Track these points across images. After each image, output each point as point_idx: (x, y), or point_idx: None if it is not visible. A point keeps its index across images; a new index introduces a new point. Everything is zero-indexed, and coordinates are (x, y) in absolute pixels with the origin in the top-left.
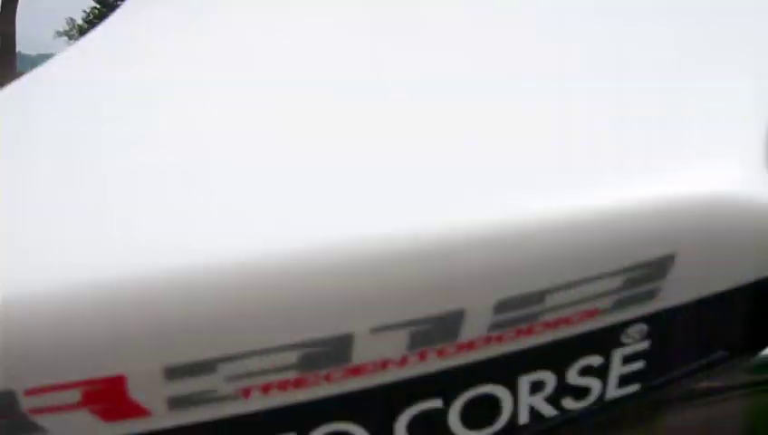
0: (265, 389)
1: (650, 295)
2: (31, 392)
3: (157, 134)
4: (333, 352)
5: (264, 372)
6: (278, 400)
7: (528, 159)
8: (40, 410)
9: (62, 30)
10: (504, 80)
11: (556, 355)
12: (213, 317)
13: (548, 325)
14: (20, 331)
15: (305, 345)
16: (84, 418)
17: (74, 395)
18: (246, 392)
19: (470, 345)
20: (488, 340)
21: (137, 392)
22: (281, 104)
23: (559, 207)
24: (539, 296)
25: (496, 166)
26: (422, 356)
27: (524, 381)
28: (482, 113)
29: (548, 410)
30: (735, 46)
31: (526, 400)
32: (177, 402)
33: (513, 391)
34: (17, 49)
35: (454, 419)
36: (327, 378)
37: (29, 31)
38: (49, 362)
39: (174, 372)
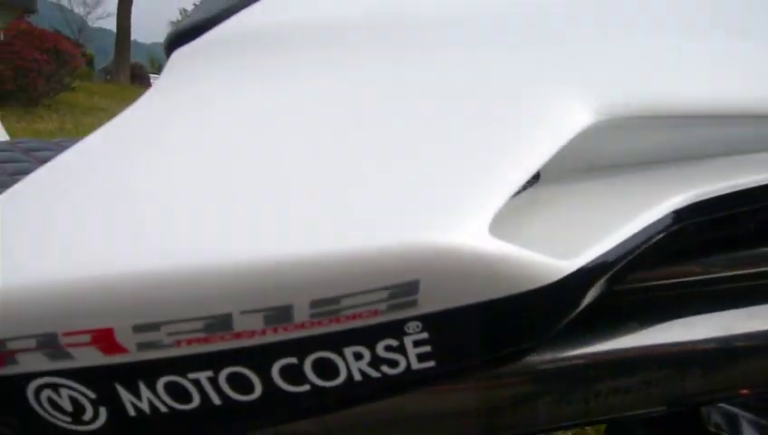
0: (188, 342)
1: (412, 304)
2: (65, 334)
3: None
4: (220, 323)
5: (186, 332)
6: (196, 349)
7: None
8: (70, 345)
9: (174, 20)
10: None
11: (365, 336)
12: (156, 298)
13: (349, 318)
14: (55, 298)
15: (204, 319)
16: (93, 351)
17: (88, 337)
18: (178, 343)
19: (302, 326)
20: (312, 323)
21: (120, 339)
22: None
23: (339, 242)
24: (336, 300)
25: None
26: (275, 330)
27: (349, 352)
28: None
29: (373, 373)
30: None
31: (354, 364)
32: (141, 346)
33: (343, 357)
34: (133, 38)
35: (308, 371)
36: (221, 338)
37: (144, 22)
38: (74, 317)
39: (138, 328)
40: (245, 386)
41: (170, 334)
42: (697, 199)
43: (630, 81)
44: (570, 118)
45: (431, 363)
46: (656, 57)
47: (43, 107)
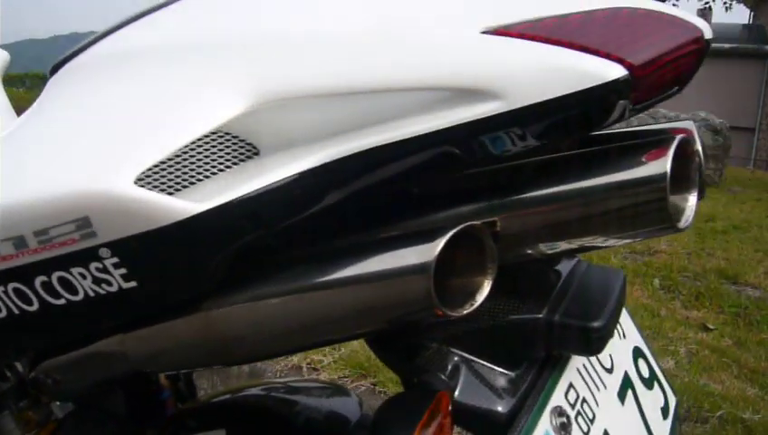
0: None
1: (93, 234)
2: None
3: None
4: (13, 244)
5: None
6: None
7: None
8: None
9: None
10: None
11: (78, 259)
12: None
13: (62, 244)
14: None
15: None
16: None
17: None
18: None
19: (36, 250)
20: (41, 249)
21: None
22: None
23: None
24: (46, 231)
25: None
26: (22, 254)
27: (75, 272)
28: None
29: (100, 290)
30: None
31: (84, 283)
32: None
33: (73, 276)
34: None
35: (57, 287)
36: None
37: None
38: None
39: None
40: (25, 300)
41: None
42: (324, 161)
43: (280, 69)
44: (224, 106)
45: (134, 284)
46: (298, 46)
47: None
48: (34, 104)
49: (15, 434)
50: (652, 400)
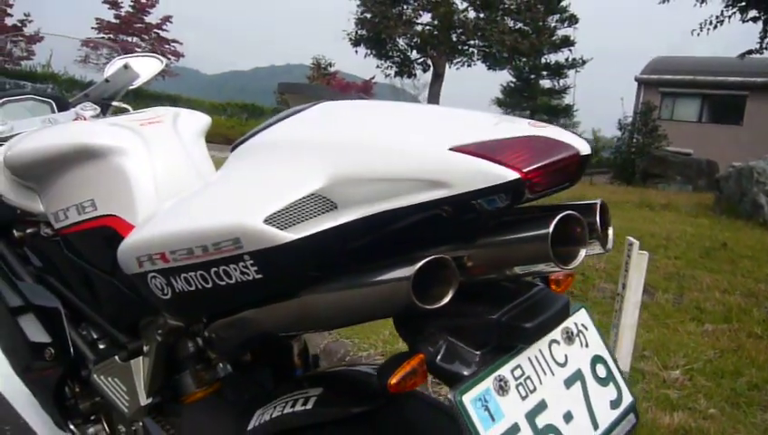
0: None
1: (241, 247)
2: None
3: None
4: (201, 249)
5: None
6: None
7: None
8: None
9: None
10: None
11: (231, 260)
12: None
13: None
14: None
15: None
16: None
17: None
18: None
19: (212, 254)
20: (213, 253)
21: None
22: None
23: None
24: (218, 244)
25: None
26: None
27: (231, 267)
28: None
29: (242, 278)
30: None
31: (234, 273)
32: None
33: (229, 268)
34: None
35: (213, 274)
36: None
37: None
38: None
39: None
40: (205, 281)
41: None
42: (362, 216)
43: (343, 162)
44: (315, 179)
45: (261, 276)
46: None
47: None
48: (222, 168)
49: (192, 388)
50: (603, 393)
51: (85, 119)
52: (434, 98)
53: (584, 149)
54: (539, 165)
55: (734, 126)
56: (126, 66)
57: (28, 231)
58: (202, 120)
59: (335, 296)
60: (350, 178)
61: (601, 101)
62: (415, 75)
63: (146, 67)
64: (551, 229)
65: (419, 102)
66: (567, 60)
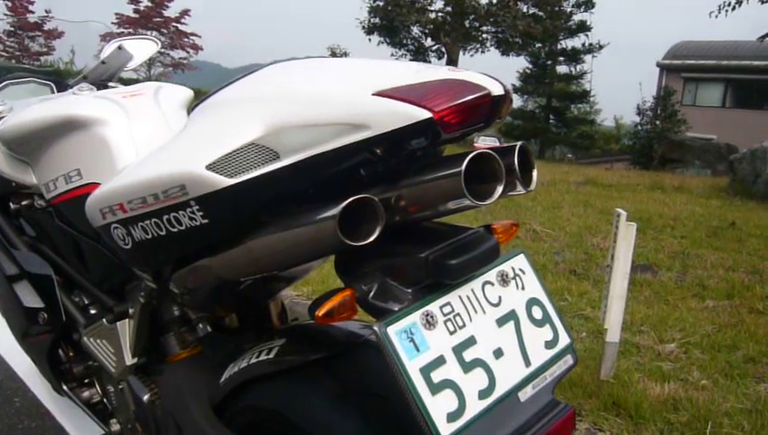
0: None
1: (186, 193)
2: None
3: None
4: (153, 197)
5: None
6: None
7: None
8: None
9: None
10: None
11: (179, 207)
12: None
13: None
14: None
15: None
16: None
17: None
18: None
19: (161, 201)
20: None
21: None
22: None
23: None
24: (166, 191)
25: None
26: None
27: (180, 213)
28: None
29: (189, 223)
30: None
31: (180, 216)
32: None
33: (178, 214)
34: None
35: (165, 221)
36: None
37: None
38: None
39: None
40: (158, 228)
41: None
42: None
43: (279, 111)
44: (254, 129)
45: (207, 221)
46: None
47: None
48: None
49: (176, 349)
50: (537, 333)
51: None
52: None
53: (496, 90)
54: (450, 105)
55: (760, 111)
56: (120, 47)
57: (23, 203)
58: (183, 93)
59: (274, 239)
60: (283, 127)
61: (623, 88)
62: (429, 62)
63: (140, 49)
64: (463, 166)
65: None
66: (584, 45)
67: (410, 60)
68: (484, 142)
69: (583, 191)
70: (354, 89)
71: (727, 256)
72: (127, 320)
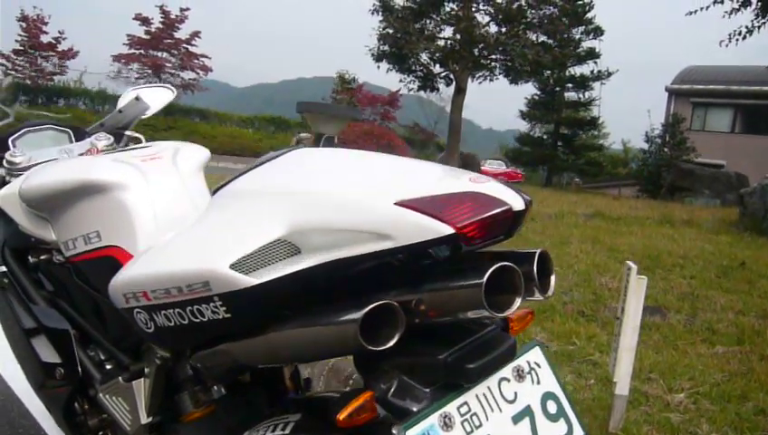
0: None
1: (210, 289)
2: None
3: None
4: (177, 290)
5: None
6: None
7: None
8: None
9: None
10: None
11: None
12: None
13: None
14: None
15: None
16: None
17: None
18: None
19: (185, 294)
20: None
21: None
22: None
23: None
24: (191, 285)
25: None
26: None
27: (203, 306)
28: None
29: (212, 316)
30: None
31: (206, 311)
32: None
33: (201, 307)
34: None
35: (188, 312)
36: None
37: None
38: None
39: None
40: (182, 318)
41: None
42: (318, 263)
43: (303, 212)
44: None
45: (229, 315)
46: None
47: None
48: (203, 212)
49: (189, 408)
50: (553, 428)
51: (98, 149)
52: (457, 111)
53: (518, 205)
54: (472, 220)
55: None
56: (137, 98)
57: (42, 257)
58: (201, 154)
59: (295, 334)
60: (307, 228)
61: (631, 114)
62: (437, 89)
63: (157, 98)
64: (484, 280)
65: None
66: (592, 72)
67: (419, 86)
68: (491, 167)
69: (591, 225)
70: (377, 196)
71: (737, 298)
72: (143, 379)
